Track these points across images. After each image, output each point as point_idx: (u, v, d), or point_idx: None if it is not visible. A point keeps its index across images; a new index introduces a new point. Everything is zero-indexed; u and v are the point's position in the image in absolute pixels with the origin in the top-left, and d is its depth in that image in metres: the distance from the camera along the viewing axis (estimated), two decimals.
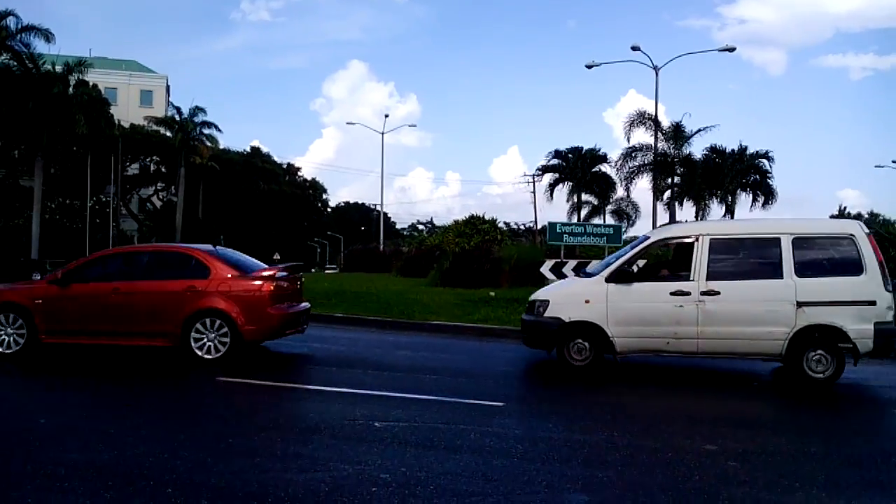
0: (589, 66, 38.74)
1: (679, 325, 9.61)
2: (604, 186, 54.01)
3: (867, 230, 9.70)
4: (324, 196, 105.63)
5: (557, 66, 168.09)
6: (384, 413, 7.27)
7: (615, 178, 48.90)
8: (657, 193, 42.66)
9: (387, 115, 67.00)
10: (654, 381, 10.10)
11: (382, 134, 57.36)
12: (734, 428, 7.19)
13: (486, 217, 34.01)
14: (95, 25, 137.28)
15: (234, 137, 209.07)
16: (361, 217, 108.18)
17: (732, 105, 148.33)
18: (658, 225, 45.30)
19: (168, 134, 60.31)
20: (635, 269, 10.41)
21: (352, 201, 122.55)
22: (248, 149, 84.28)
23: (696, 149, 45.99)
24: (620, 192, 50.73)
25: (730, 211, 45.81)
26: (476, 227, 31.08)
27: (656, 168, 41.59)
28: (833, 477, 5.61)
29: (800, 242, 9.53)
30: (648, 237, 10.83)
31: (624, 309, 9.80)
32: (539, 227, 60.79)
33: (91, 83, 49.87)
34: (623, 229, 51.84)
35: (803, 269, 9.41)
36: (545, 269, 18.55)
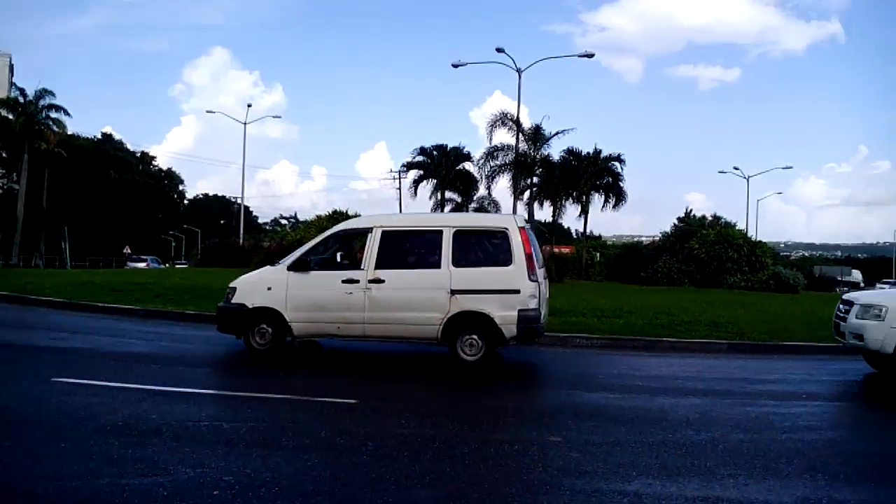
0: (455, 66, 39.35)
1: (349, 311, 10.20)
2: (467, 184, 54.75)
3: (523, 224, 10.43)
4: (180, 187, 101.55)
5: (427, 64, 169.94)
6: (232, 413, 7.07)
7: (478, 176, 49.70)
8: (517, 193, 43.80)
9: (249, 105, 64.94)
10: (508, 376, 10.35)
11: (245, 124, 55.66)
12: (578, 420, 7.45)
13: (351, 213, 33.82)
14: None
15: (85, 123, 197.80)
16: (221, 210, 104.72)
17: (591, 109, 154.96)
18: None
19: (10, 117, 56.11)
20: (338, 258, 11.40)
21: (211, 193, 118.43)
22: (100, 135, 79.83)
23: (555, 150, 47.38)
24: (483, 190, 51.62)
25: (584, 211, 47.55)
26: (338, 223, 30.80)
27: (517, 168, 42.64)
28: (667, 464, 5.91)
29: (460, 235, 10.30)
30: (333, 229, 11.31)
31: (301, 296, 10.36)
32: None
33: None
34: None
35: (460, 260, 10.14)
36: None
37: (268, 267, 11.31)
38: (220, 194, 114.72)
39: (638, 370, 10.91)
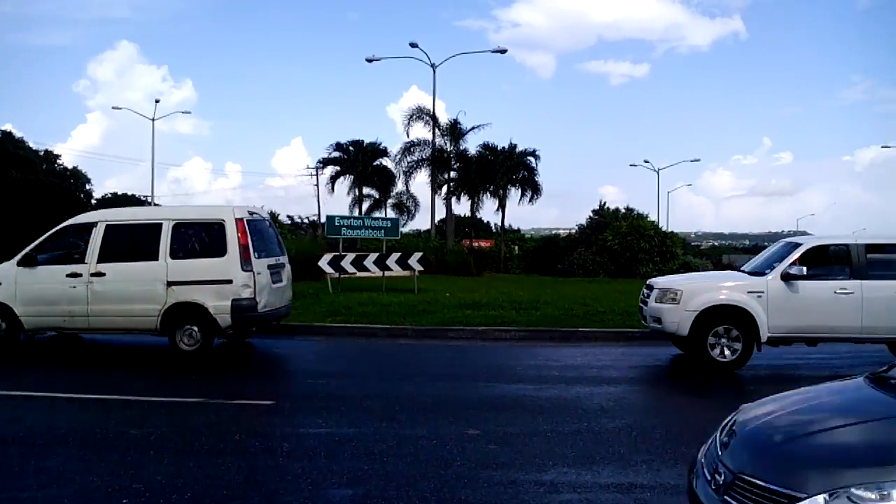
0: (370, 60, 39.15)
1: (73, 304, 10.32)
2: (385, 180, 54.55)
3: (242, 216, 10.65)
4: (87, 187, 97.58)
5: (342, 58, 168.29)
6: (142, 419, 6.84)
7: (396, 172, 49.60)
8: (435, 188, 43.96)
9: (158, 101, 62.69)
10: (430, 370, 10.36)
11: (153, 120, 54.17)
12: (496, 412, 7.53)
13: (266, 210, 33.15)
14: None
15: None
16: None
17: (506, 104, 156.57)
18: (438, 219, 46.73)
19: None
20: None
21: (120, 192, 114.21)
22: None
23: (472, 145, 47.70)
24: (401, 186, 51.56)
25: (501, 205, 48.08)
26: None
27: (434, 163, 42.78)
28: (582, 452, 6.03)
29: (179, 227, 10.48)
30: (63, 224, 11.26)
31: (29, 290, 10.50)
32: (322, 220, 60.33)
33: None
34: (403, 223, 52.77)
35: (177, 252, 10.35)
36: (323, 263, 18.47)
37: (4, 263, 11.16)
38: (129, 193, 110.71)
39: (555, 361, 11.07)
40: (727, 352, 9.86)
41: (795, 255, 10.14)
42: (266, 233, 11.23)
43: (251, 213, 10.96)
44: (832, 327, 9.89)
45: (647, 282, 11.54)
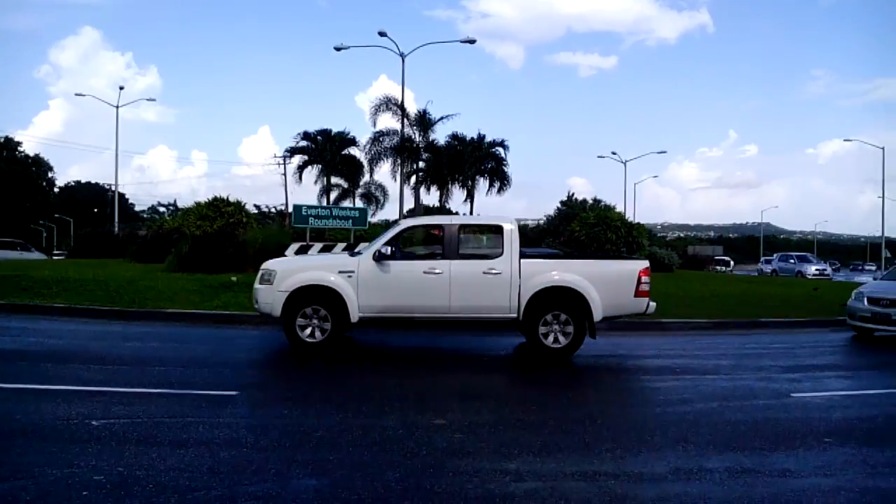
0: (338, 49, 38.74)
1: None
2: (353, 170, 54.40)
3: None
4: (50, 174, 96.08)
5: (310, 46, 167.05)
6: (104, 410, 6.73)
7: (364, 161, 49.40)
8: (404, 178, 43.82)
9: (122, 88, 61.84)
10: (391, 360, 10.36)
11: (117, 107, 53.03)
12: (462, 401, 7.55)
13: (233, 199, 32.78)
14: None
15: None
16: (95, 198, 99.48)
17: (475, 95, 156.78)
18: (406, 210, 46.59)
19: None
20: None
21: (83, 181, 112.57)
22: None
23: (441, 136, 47.74)
24: (370, 175, 51.39)
25: (470, 196, 48.20)
26: (220, 210, 29.76)
27: (402, 153, 42.64)
28: (547, 442, 6.06)
29: None
30: None
31: None
32: (290, 210, 59.87)
33: None
34: (371, 213, 52.63)
35: None
36: (290, 253, 18.31)
37: None
38: (93, 181, 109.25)
39: (521, 350, 11.13)
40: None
41: (389, 234, 10.45)
42: None
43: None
44: (422, 307, 10.05)
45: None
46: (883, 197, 64.91)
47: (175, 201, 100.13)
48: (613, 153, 65.97)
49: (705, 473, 5.30)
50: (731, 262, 71.30)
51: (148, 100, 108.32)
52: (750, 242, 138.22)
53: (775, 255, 59.25)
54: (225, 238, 24.16)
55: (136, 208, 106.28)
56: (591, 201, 43.84)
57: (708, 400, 7.92)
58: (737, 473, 5.32)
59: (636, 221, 43.25)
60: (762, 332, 14.29)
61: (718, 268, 61.12)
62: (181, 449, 5.55)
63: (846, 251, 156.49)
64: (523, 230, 48.92)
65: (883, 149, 63.99)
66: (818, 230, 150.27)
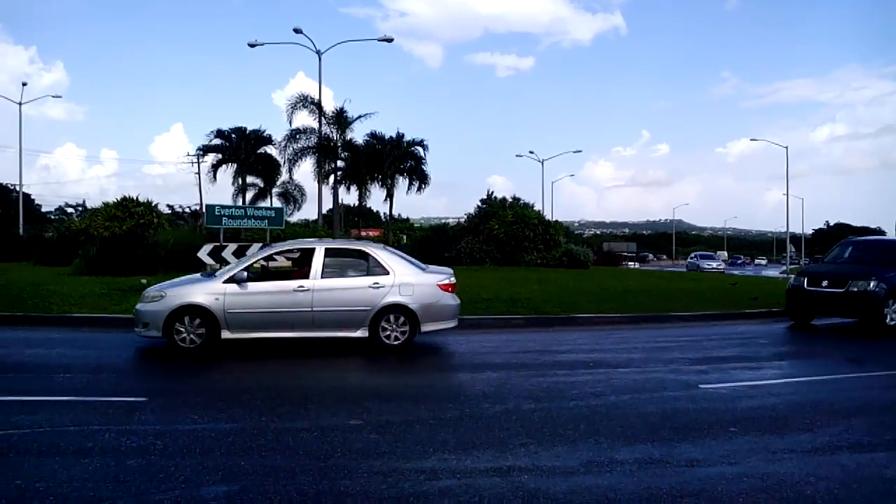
0: (252, 45, 38.05)
1: None
2: (270, 169, 53.43)
3: None
4: None
5: (224, 43, 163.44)
6: (3, 420, 6.43)
7: (281, 160, 48.61)
8: (322, 177, 43.34)
9: (25, 84, 58.91)
10: (307, 363, 10.21)
11: (20, 104, 50.83)
12: (379, 401, 7.50)
13: (144, 199, 31.85)
14: None
15: None
16: None
17: (394, 94, 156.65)
18: (326, 209, 46.14)
19: None
20: None
21: None
22: None
23: (359, 135, 47.51)
24: (287, 175, 50.61)
25: (389, 195, 48.07)
26: (130, 210, 28.85)
27: (320, 151, 42.18)
28: (463, 438, 6.10)
29: None
30: None
31: None
32: (204, 209, 58.43)
33: None
34: (289, 212, 51.83)
35: None
36: (203, 254, 17.89)
37: None
38: None
39: (440, 348, 11.17)
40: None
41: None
42: None
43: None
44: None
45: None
46: (787, 194, 68.39)
47: (84, 202, 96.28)
48: (531, 152, 66.96)
49: (616, 465, 5.44)
50: (651, 257, 76.04)
51: (54, 96, 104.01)
52: (663, 239, 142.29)
53: (694, 253, 68.53)
54: (135, 239, 23.45)
55: (43, 209, 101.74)
56: (510, 199, 44.26)
57: (620, 393, 8.10)
58: (646, 464, 5.47)
59: (554, 219, 44.08)
60: (672, 326, 14.72)
61: (630, 264, 64.00)
62: (86, 458, 5.36)
63: (754, 245, 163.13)
64: (444, 228, 48.82)
65: (786, 148, 68.95)
66: (728, 226, 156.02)
